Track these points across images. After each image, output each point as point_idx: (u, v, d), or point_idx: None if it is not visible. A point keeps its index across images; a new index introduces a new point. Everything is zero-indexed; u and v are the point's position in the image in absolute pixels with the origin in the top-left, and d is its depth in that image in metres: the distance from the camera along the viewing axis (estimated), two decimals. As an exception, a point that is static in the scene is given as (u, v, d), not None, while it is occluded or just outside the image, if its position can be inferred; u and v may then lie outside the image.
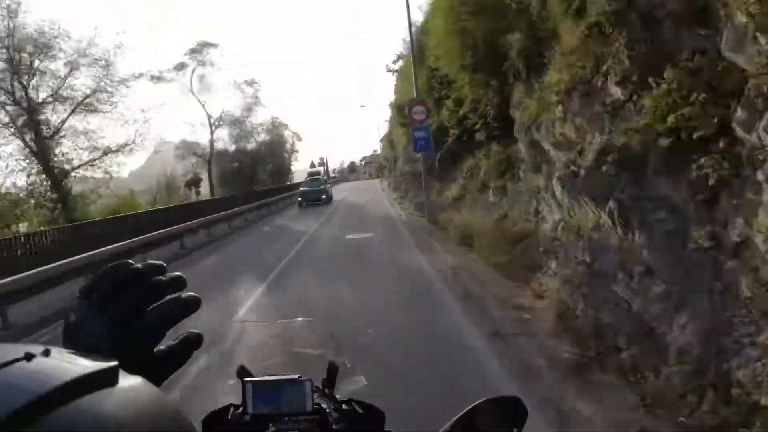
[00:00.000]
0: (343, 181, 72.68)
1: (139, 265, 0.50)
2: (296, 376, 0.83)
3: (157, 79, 28.15)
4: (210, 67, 31.40)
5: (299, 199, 26.29)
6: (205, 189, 29.40)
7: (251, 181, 34.18)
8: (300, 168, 64.63)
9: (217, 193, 29.32)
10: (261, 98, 33.23)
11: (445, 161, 15.21)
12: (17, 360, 0.33)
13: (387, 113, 38.74)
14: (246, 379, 0.84)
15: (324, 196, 26.10)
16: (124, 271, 0.49)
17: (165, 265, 0.52)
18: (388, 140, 35.01)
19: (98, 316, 0.47)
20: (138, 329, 0.48)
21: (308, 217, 20.69)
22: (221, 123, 31.51)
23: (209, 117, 31.44)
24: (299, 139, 44.88)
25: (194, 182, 22.76)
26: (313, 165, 58.22)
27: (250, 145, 36.12)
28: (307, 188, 27.28)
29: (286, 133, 43.93)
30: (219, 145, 32.20)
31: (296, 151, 46.24)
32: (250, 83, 33.39)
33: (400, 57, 27.18)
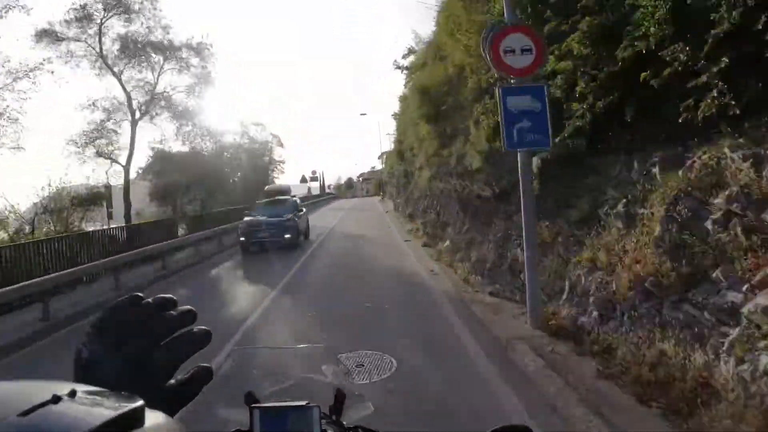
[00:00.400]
0: (339, 198, 67.10)
1: (149, 300, 0.50)
2: (304, 403, 0.83)
3: (46, 36, 17.89)
4: (135, 24, 19.84)
5: (241, 238, 14.72)
6: (136, 204, 20.15)
7: (210, 197, 25.28)
8: (289, 183, 56.12)
9: (148, 215, 20.31)
10: (214, 75, 23.24)
11: (559, 174, 6.50)
12: (45, 403, 0.33)
13: (390, 123, 30.61)
14: (253, 405, 0.83)
15: (289, 235, 14.49)
16: (135, 305, 0.49)
17: (175, 298, 0.51)
18: (398, 150, 26.28)
19: (110, 351, 0.47)
20: (150, 364, 0.47)
21: (262, 269, 11.80)
22: (151, 109, 21.40)
23: (129, 98, 20.23)
24: (281, 145, 36.20)
25: (93, 199, 13.81)
26: (304, 179, 49.47)
27: (207, 148, 26.91)
28: (257, 219, 15.10)
29: (263, 136, 35.38)
30: (156, 145, 23.02)
31: (281, 162, 37.53)
32: (197, 49, 21.98)
33: (411, 51, 23.85)
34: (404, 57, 25.48)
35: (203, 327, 0.52)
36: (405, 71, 26.18)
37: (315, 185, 49.46)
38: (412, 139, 20.85)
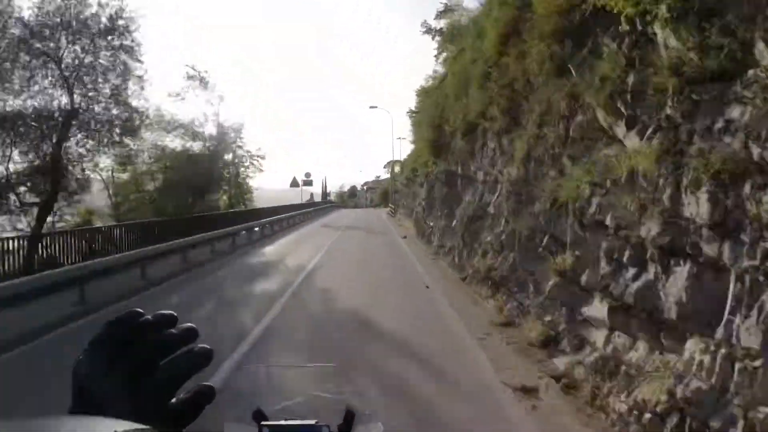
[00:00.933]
0: (341, 207, 59.85)
1: (149, 317, 0.49)
2: (313, 422, 0.83)
3: None
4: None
5: None
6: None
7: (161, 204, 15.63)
8: (277, 188, 46.39)
9: None
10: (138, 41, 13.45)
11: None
12: None
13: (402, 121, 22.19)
14: (263, 423, 0.84)
15: None
16: (134, 322, 0.49)
17: (176, 315, 0.50)
18: (431, 141, 16.49)
19: (109, 370, 0.46)
20: (151, 385, 0.47)
21: None
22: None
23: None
24: (239, 135, 26.70)
25: None
26: (296, 183, 39.58)
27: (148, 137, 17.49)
28: None
29: (232, 122, 26.03)
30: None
31: (259, 158, 27.73)
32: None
33: (448, 8, 19.07)
34: (438, 17, 19.73)
35: (205, 345, 0.50)
36: (437, 36, 20.11)
37: (308, 190, 39.55)
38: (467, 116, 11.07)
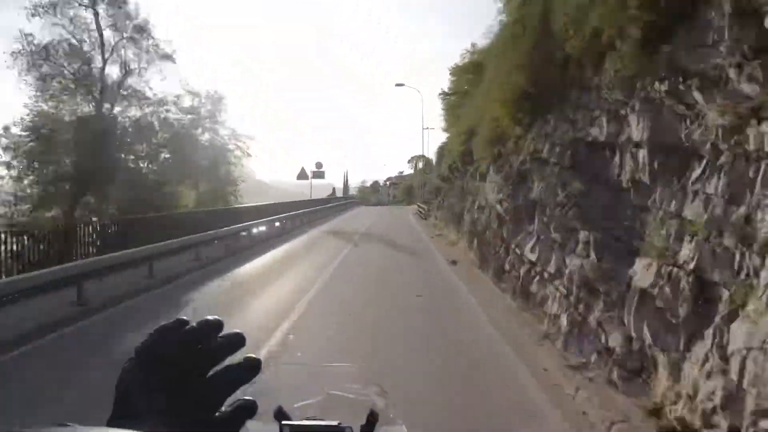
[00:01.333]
0: (361, 204, 53.69)
1: (194, 324, 0.48)
2: (336, 423, 0.83)
3: None
4: None
5: None
6: None
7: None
8: (284, 179, 39.21)
9: None
10: None
11: None
12: None
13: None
14: (284, 422, 0.84)
15: None
16: (180, 331, 0.48)
17: (222, 321, 0.49)
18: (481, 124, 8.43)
19: (155, 381, 0.45)
20: (197, 396, 0.46)
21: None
22: None
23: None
24: (217, 108, 19.51)
25: None
26: (303, 174, 32.15)
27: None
28: None
29: (207, 90, 19.16)
30: None
31: (247, 139, 20.24)
32: None
33: None
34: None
35: (253, 356, 0.49)
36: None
37: (319, 183, 31.83)
38: None
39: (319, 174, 31.09)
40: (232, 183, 21.30)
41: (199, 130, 19.60)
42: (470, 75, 16.78)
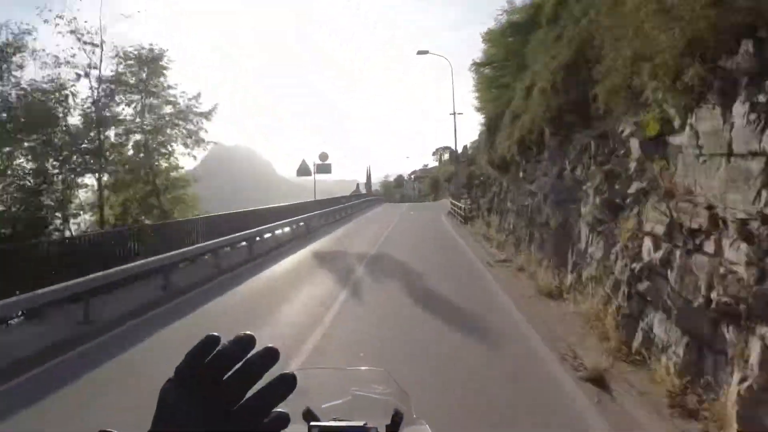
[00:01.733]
0: (382, 201, 45.49)
1: (227, 343, 0.48)
2: (362, 423, 0.83)
3: None
4: None
5: None
6: None
7: None
8: (287, 175, 33.13)
9: None
10: None
11: None
12: None
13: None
14: (312, 423, 0.85)
15: None
16: (215, 350, 0.47)
17: (254, 336, 0.49)
18: None
19: (194, 401, 0.46)
20: (236, 416, 0.46)
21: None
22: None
23: None
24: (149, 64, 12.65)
25: None
26: (305, 168, 25.77)
27: None
28: None
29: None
30: None
31: (200, 116, 13.58)
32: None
33: None
34: None
35: (287, 372, 0.48)
36: None
37: (322, 178, 25.04)
38: None
39: (324, 168, 24.30)
40: (171, 185, 14.15)
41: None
42: (510, 38, 14.87)
